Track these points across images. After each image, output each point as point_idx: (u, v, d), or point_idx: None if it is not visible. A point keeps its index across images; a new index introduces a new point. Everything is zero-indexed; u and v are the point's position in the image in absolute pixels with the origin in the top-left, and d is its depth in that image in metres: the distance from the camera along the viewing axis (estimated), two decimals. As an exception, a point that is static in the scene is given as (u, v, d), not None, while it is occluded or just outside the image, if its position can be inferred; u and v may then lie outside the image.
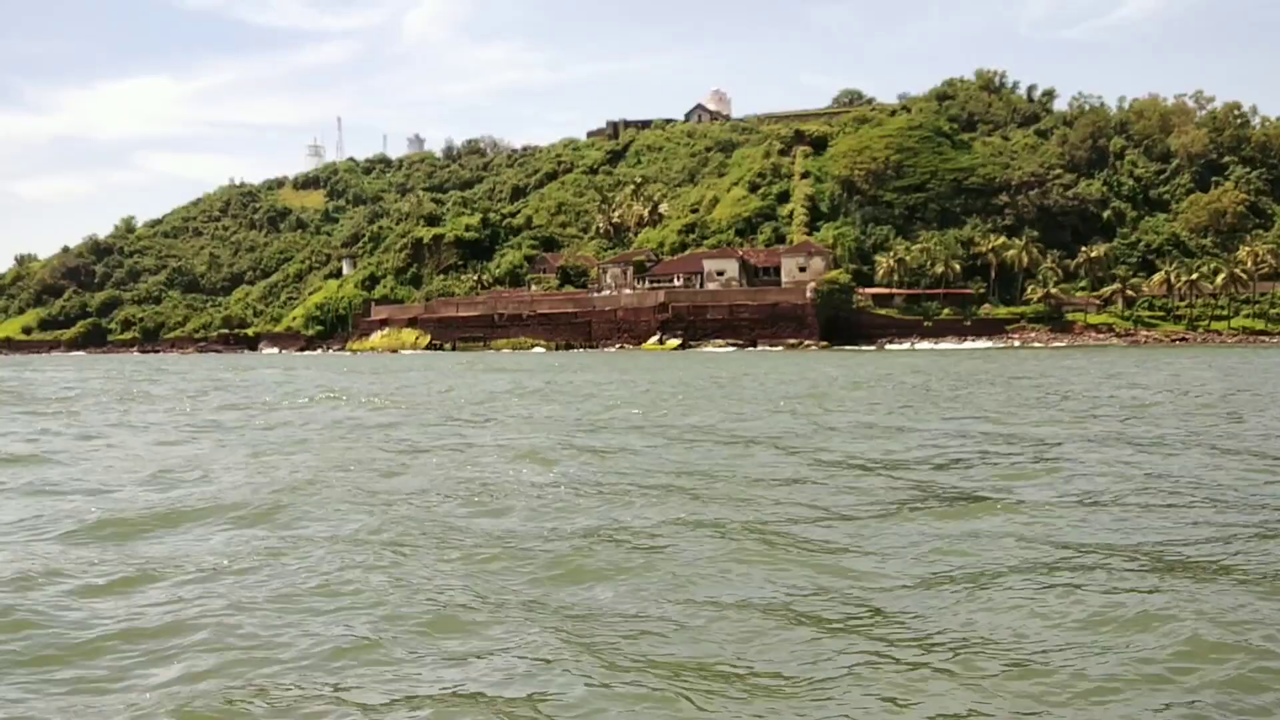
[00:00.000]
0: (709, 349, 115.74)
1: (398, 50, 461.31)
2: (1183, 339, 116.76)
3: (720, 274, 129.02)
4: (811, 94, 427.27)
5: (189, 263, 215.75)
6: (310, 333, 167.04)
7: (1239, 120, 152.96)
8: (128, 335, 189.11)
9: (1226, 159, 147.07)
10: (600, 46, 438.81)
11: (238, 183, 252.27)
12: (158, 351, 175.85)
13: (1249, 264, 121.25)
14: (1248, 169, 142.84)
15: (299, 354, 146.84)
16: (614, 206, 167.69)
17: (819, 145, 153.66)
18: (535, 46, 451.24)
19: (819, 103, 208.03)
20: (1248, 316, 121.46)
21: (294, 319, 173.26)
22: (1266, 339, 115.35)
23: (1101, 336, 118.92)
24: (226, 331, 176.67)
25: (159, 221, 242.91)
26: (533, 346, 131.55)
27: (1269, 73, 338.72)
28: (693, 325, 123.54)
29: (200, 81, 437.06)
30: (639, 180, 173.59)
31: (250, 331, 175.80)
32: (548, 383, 46.83)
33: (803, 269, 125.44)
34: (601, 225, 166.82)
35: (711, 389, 40.17)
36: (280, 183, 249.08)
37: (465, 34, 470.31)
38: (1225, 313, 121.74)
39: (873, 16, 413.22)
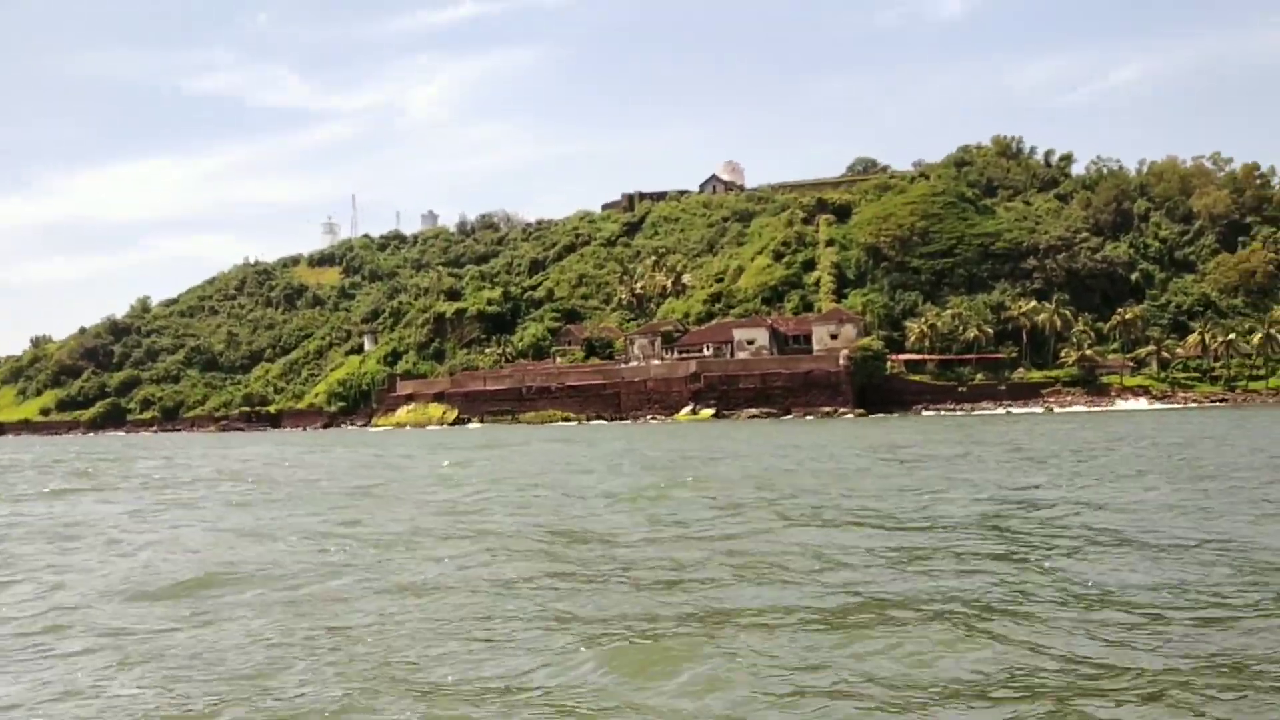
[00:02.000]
0: (743, 418, 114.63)
1: (404, 128, 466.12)
2: (1222, 400, 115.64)
3: (750, 343, 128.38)
4: (820, 163, 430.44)
5: (206, 341, 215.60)
6: (333, 409, 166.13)
7: (1259, 181, 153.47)
8: (147, 415, 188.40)
9: (1249, 219, 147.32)
10: (605, 122, 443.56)
11: (252, 261, 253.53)
12: (178, 430, 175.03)
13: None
14: (1274, 228, 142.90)
15: (321, 431, 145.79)
16: (635, 278, 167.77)
17: (841, 213, 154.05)
18: (539, 122, 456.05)
19: (831, 171, 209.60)
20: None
21: (316, 395, 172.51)
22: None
23: (1138, 399, 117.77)
24: (248, 409, 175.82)
25: (174, 301, 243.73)
26: (562, 419, 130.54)
27: (1269, 134, 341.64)
28: (725, 395, 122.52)
29: (209, 163, 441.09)
30: (660, 251, 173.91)
31: (272, 409, 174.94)
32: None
33: (834, 336, 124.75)
34: (624, 296, 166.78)
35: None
36: (295, 260, 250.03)
37: (470, 111, 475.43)
38: (1262, 372, 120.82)
39: (875, 87, 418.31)
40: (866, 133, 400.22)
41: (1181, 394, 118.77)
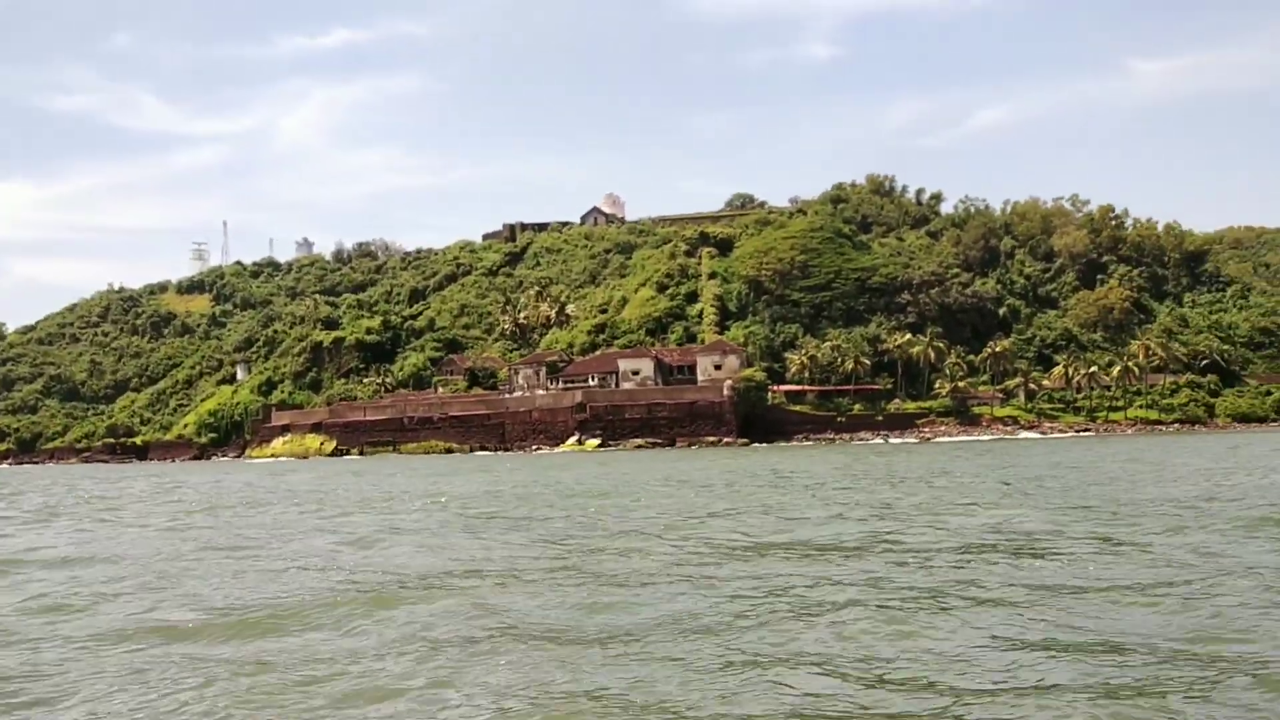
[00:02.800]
0: (625, 450, 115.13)
1: (276, 154, 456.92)
2: (1086, 430, 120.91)
3: (635, 373, 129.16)
4: (697, 199, 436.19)
5: (68, 370, 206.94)
6: (204, 440, 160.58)
7: (1114, 222, 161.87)
8: (1, 446, 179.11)
9: (1105, 258, 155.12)
10: (483, 152, 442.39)
11: (117, 287, 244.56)
12: (36, 462, 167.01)
13: (1141, 357, 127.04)
14: (1129, 267, 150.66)
15: (193, 464, 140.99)
16: (518, 308, 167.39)
17: (723, 247, 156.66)
18: (416, 151, 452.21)
19: (709, 206, 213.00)
20: (1141, 407, 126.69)
21: (185, 426, 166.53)
22: (1162, 428, 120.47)
23: (1008, 429, 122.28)
24: (113, 440, 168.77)
25: (32, 328, 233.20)
26: (445, 449, 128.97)
27: (1124, 176, 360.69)
28: (611, 425, 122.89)
29: (68, 185, 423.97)
30: (543, 282, 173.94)
31: (139, 440, 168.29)
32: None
33: (718, 367, 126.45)
34: (506, 326, 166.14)
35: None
36: (163, 287, 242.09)
37: (344, 138, 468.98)
38: (1121, 404, 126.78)
39: (747, 126, 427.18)
40: (741, 170, 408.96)
41: (1048, 424, 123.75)
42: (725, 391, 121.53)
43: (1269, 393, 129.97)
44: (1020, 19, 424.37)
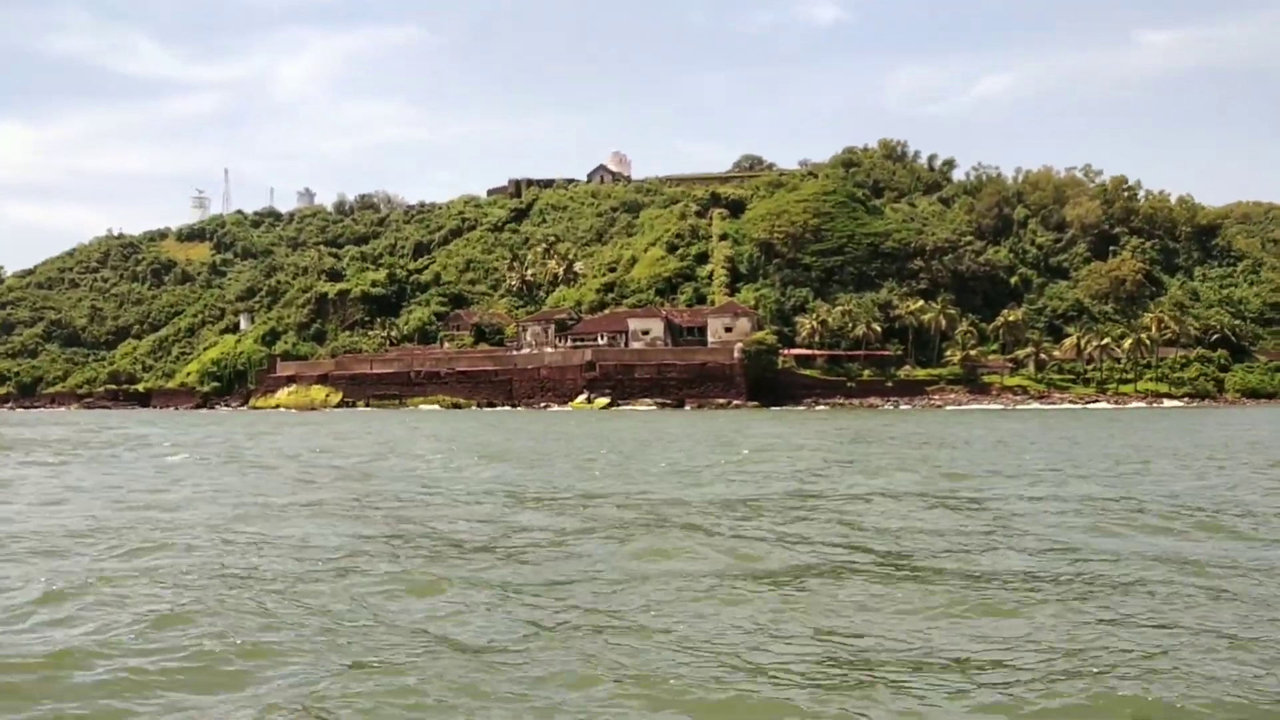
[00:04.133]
0: (639, 408, 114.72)
1: (275, 103, 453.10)
2: (1094, 401, 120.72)
3: (645, 333, 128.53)
4: (703, 160, 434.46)
5: (68, 315, 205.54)
6: (206, 389, 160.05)
7: (1127, 193, 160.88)
8: (2, 390, 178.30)
9: (1117, 229, 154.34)
10: (486, 106, 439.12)
11: (116, 233, 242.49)
12: (36, 407, 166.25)
13: (1154, 330, 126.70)
14: (1141, 240, 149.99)
15: (200, 412, 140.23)
16: (526, 264, 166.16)
17: (735, 208, 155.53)
18: (416, 104, 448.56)
19: (715, 167, 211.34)
20: (1150, 380, 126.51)
21: (188, 375, 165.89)
22: (1173, 401, 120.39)
23: (1018, 398, 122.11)
24: (114, 387, 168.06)
25: (30, 272, 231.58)
26: (452, 404, 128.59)
27: (1131, 147, 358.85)
28: (620, 384, 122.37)
29: (59, 129, 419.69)
30: (550, 239, 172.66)
31: (141, 387, 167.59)
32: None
33: (729, 329, 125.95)
34: (513, 283, 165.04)
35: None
36: (163, 234, 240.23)
37: (343, 89, 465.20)
38: (1130, 376, 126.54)
39: (752, 86, 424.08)
40: (745, 134, 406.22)
41: (1058, 394, 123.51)
42: (736, 354, 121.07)
43: (1279, 369, 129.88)
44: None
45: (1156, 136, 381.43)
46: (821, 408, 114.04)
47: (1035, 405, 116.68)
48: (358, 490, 23.03)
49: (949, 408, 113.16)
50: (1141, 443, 42.02)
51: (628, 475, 26.84)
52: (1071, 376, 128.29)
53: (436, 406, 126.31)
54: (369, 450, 39.25)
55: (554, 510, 19.01)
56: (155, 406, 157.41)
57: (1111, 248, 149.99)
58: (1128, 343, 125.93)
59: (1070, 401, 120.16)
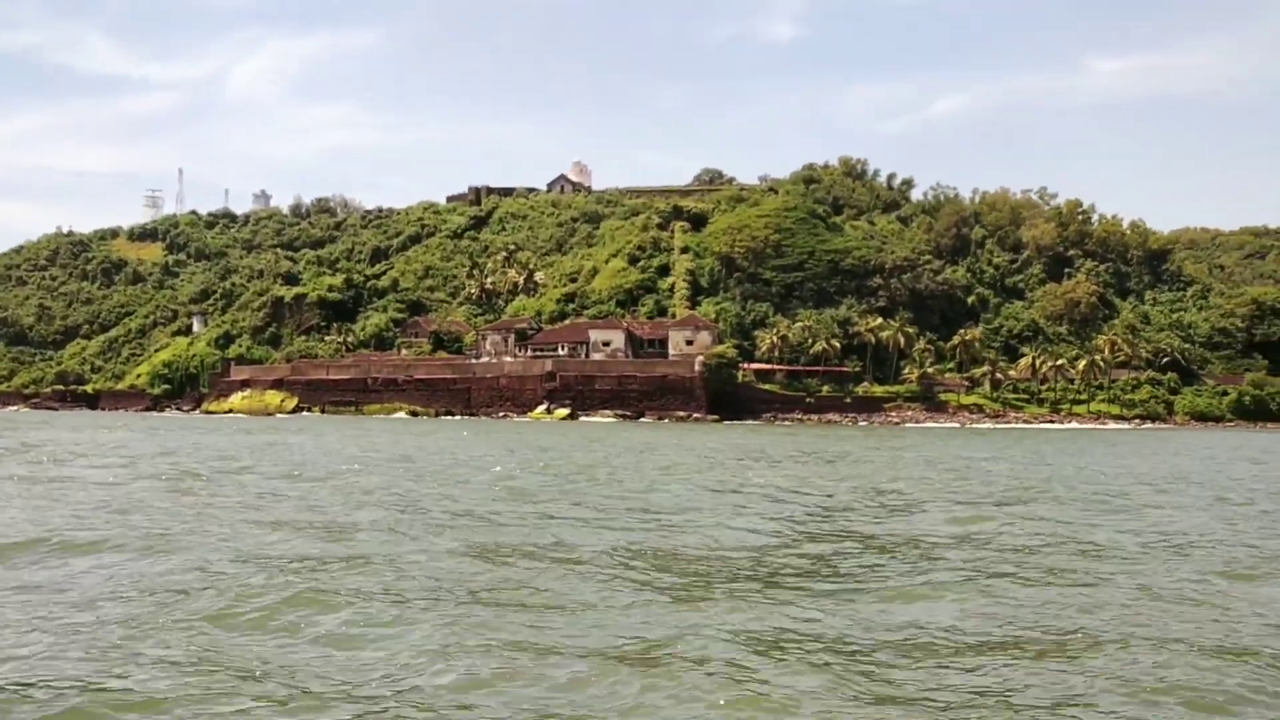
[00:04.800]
0: (599, 419, 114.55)
1: (227, 104, 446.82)
2: (1049, 421, 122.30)
3: (607, 344, 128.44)
4: (658, 172, 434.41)
5: (14, 314, 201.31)
6: (157, 391, 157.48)
7: (1081, 217, 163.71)
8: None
9: (1071, 252, 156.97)
10: (440, 115, 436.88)
11: (65, 231, 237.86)
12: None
13: (1107, 352, 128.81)
14: (1095, 262, 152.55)
15: (150, 415, 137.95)
16: (486, 273, 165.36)
17: (696, 221, 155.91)
18: (372, 110, 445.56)
19: (671, 180, 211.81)
20: (1102, 401, 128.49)
21: (138, 376, 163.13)
22: (1124, 423, 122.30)
23: (974, 416, 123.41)
24: (62, 388, 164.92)
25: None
26: (407, 412, 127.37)
27: (1083, 171, 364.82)
28: (580, 395, 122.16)
29: (5, 124, 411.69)
30: (511, 248, 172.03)
31: (90, 388, 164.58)
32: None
33: (689, 342, 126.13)
34: (472, 291, 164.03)
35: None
36: (114, 233, 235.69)
37: (297, 92, 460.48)
38: (1084, 397, 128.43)
39: (710, 100, 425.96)
40: (705, 148, 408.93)
41: (1013, 414, 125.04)
42: (696, 367, 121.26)
43: (1225, 393, 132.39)
44: (979, 10, 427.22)
45: (1108, 161, 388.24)
46: (784, 423, 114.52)
47: (989, 424, 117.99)
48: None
49: (908, 425, 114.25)
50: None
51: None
52: (1026, 396, 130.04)
53: (402, 414, 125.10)
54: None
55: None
56: (104, 408, 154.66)
57: (1066, 270, 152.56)
58: (1082, 364, 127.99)
59: (1024, 421, 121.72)
